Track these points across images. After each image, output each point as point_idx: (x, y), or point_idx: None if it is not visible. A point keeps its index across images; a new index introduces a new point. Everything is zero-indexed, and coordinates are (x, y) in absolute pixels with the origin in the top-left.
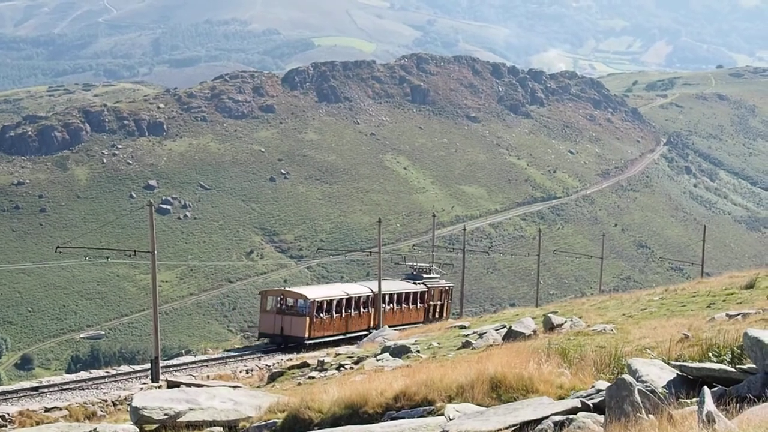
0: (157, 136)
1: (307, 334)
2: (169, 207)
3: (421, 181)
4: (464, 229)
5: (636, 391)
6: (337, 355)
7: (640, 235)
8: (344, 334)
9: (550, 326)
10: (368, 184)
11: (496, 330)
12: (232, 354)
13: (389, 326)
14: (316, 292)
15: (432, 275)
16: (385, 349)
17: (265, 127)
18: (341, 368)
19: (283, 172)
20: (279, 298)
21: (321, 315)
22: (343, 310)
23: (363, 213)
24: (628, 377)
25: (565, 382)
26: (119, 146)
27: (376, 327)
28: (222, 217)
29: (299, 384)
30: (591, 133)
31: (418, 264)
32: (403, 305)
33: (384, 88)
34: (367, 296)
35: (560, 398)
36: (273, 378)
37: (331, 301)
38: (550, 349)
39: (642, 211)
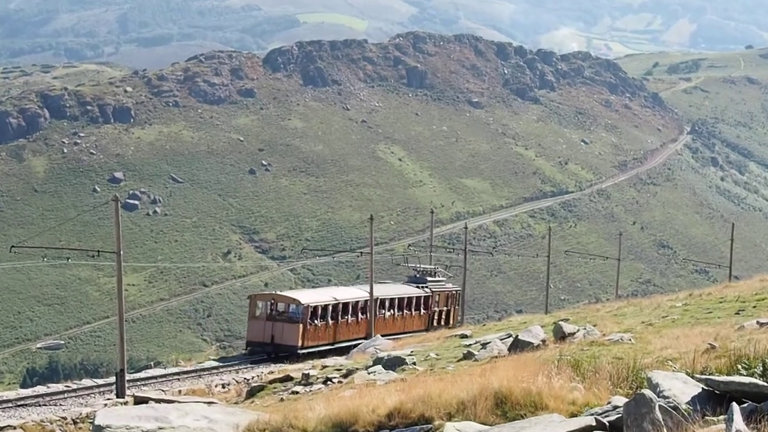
0: (124, 123)
1: (300, 343)
2: (136, 202)
3: (418, 173)
4: (465, 228)
5: (657, 408)
6: (324, 367)
7: (661, 234)
8: (341, 342)
9: (561, 335)
10: (359, 177)
11: (501, 340)
12: (207, 366)
13: (387, 335)
14: (310, 297)
15: (437, 278)
16: (377, 361)
17: (244, 114)
18: (328, 382)
19: (264, 163)
20: (269, 303)
21: (315, 321)
22: (340, 316)
23: (353, 209)
24: (648, 392)
25: (578, 397)
26: (81, 134)
27: (373, 334)
28: (196, 213)
29: (281, 400)
30: (606, 120)
31: (422, 266)
32: (405, 311)
33: (377, 71)
34: (366, 301)
35: (572, 416)
36: (252, 393)
37: (327, 306)
38: (561, 361)
39: (663, 208)
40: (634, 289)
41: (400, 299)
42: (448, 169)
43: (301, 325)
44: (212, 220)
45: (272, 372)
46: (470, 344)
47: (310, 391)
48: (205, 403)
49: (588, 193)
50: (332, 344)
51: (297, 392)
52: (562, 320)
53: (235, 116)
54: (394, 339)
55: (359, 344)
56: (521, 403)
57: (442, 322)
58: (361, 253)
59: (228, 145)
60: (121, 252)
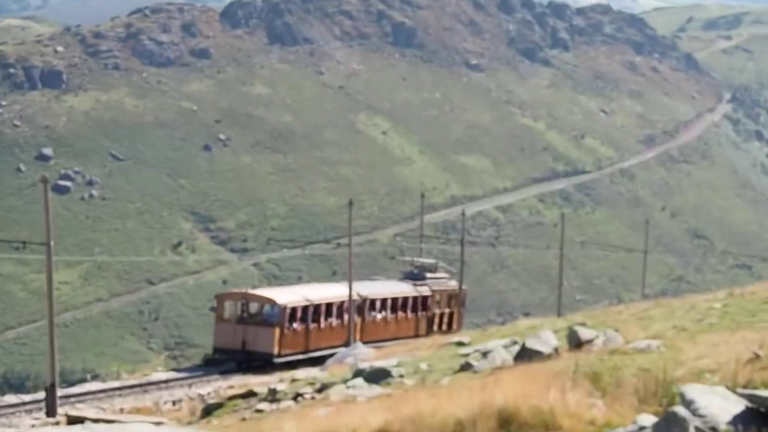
0: (55, 89)
1: (276, 350)
2: (69, 184)
3: (406, 149)
4: (463, 214)
5: (692, 429)
6: (294, 380)
7: (696, 222)
8: (324, 349)
9: (576, 343)
10: (335, 153)
11: (506, 347)
12: (154, 380)
13: (378, 341)
14: (289, 296)
15: (438, 275)
16: (357, 373)
17: (198, 78)
18: (299, 398)
19: (222, 137)
20: (240, 304)
21: (295, 325)
22: (322, 319)
23: (328, 192)
24: (680, 410)
25: (598, 416)
26: (3, 103)
27: (361, 340)
28: (140, 197)
29: (243, 419)
30: (631, 86)
31: (420, 260)
32: (399, 313)
33: (356, 27)
34: (353, 301)
35: None
36: (209, 411)
37: (308, 307)
38: (577, 373)
39: (698, 190)
40: (663, 287)
41: (394, 299)
42: (442, 144)
43: (277, 329)
44: (160, 205)
45: (232, 387)
46: (468, 353)
47: (278, 408)
48: (152, 423)
49: (608, 172)
50: (314, 351)
51: (262, 410)
52: (577, 324)
53: (188, 81)
54: (378, 347)
55: (336, 354)
56: (530, 423)
57: (444, 326)
58: (338, 244)
59: (179, 116)
60: (52, 243)
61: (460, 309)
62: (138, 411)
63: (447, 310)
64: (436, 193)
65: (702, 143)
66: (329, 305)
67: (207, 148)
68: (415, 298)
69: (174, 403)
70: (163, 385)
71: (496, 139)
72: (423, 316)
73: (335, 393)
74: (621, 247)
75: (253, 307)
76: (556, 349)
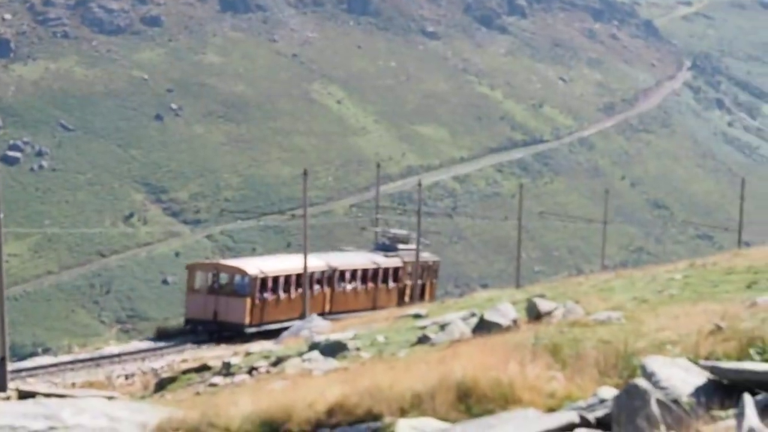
0: (2, 58)
1: (247, 320)
2: (18, 155)
3: (361, 119)
4: (419, 184)
5: (653, 401)
6: (248, 354)
7: (656, 192)
8: (294, 319)
9: (536, 314)
10: (289, 123)
11: (464, 320)
12: (107, 353)
13: (347, 312)
14: (259, 266)
15: (411, 246)
16: (313, 346)
17: (149, 47)
18: (254, 372)
19: (173, 107)
20: (211, 274)
21: (265, 295)
22: (293, 289)
23: (282, 162)
24: (642, 382)
25: (558, 389)
26: None
27: (330, 311)
28: (91, 168)
29: (197, 393)
30: (590, 54)
31: (392, 231)
32: (369, 284)
33: None
34: (323, 271)
35: (551, 410)
36: (162, 385)
37: (278, 277)
38: (536, 346)
39: (658, 159)
40: (623, 258)
41: (364, 270)
42: (398, 113)
43: (248, 300)
44: (111, 176)
45: (185, 360)
46: (425, 326)
47: (232, 382)
48: (104, 397)
49: (567, 142)
50: (286, 322)
51: (216, 384)
52: (536, 296)
53: (138, 49)
54: (334, 320)
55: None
56: (489, 396)
57: (416, 298)
58: (293, 215)
59: (130, 85)
60: (1, 215)
61: (432, 281)
62: (90, 385)
63: (419, 282)
64: (392, 163)
65: (662, 112)
66: (299, 276)
67: (158, 118)
68: (386, 270)
69: (127, 377)
70: (115, 359)
71: (453, 108)
72: (394, 287)
73: (291, 366)
74: (580, 218)
75: (224, 278)
76: (514, 322)
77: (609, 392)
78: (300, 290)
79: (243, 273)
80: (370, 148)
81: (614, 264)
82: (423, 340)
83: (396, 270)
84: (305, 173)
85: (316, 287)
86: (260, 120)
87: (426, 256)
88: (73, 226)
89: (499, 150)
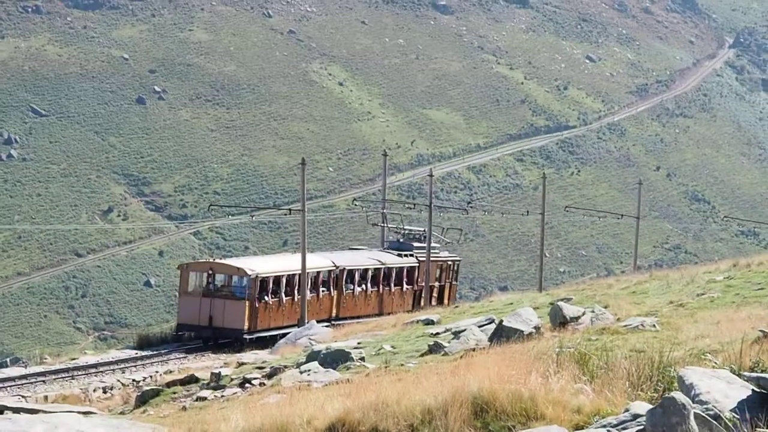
0: None
1: (246, 325)
2: None
3: (366, 102)
4: (430, 176)
5: (692, 417)
6: (241, 364)
7: (695, 184)
8: (299, 325)
9: (560, 320)
10: (285, 107)
11: (480, 326)
12: (82, 364)
13: (356, 317)
14: (260, 266)
15: (428, 244)
16: (312, 356)
17: (129, 23)
18: (247, 385)
19: (157, 89)
20: (206, 275)
21: (267, 298)
22: (296, 291)
23: (278, 151)
24: (679, 396)
25: (585, 403)
26: None
27: (337, 316)
28: (65, 157)
29: (184, 408)
30: (620, 29)
31: (407, 228)
32: (381, 287)
33: None
34: (329, 272)
35: (578, 428)
36: (144, 399)
37: (280, 277)
38: (561, 355)
39: (697, 147)
40: (658, 257)
41: (375, 270)
42: (406, 96)
43: (247, 303)
44: (87, 166)
45: (170, 372)
46: (438, 333)
47: (223, 396)
48: (80, 413)
49: (595, 128)
50: (288, 327)
51: (204, 398)
52: (561, 300)
53: (118, 26)
54: (336, 327)
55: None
56: (508, 412)
57: (434, 301)
58: (290, 210)
59: (108, 66)
60: None
61: (452, 282)
62: (64, 399)
63: (437, 283)
64: (401, 152)
65: (701, 94)
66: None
67: (140, 101)
68: (399, 270)
69: (105, 390)
70: (92, 371)
71: (467, 90)
72: (409, 290)
73: (287, 378)
74: (610, 213)
75: (221, 279)
76: (537, 328)
77: (642, 407)
78: (307, 291)
79: (241, 273)
80: (376, 135)
81: (648, 264)
82: (435, 349)
83: (411, 270)
84: (303, 163)
85: (322, 290)
86: (253, 104)
87: (445, 255)
88: (46, 222)
89: (519, 137)
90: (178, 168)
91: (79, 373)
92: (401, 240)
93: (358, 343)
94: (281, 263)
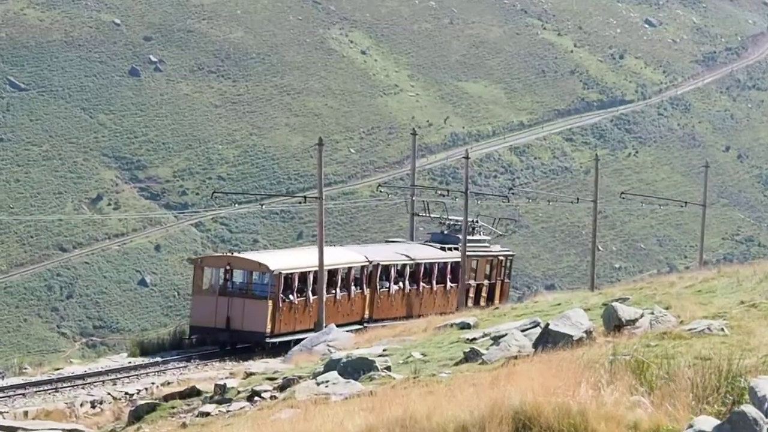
0: None
1: (269, 328)
2: None
3: (392, 74)
4: (466, 158)
5: None
6: (249, 375)
7: None
8: (317, 328)
9: (615, 324)
10: (301, 79)
11: (523, 331)
12: (68, 375)
13: (392, 319)
14: (284, 260)
15: (477, 237)
16: (330, 365)
17: None
18: (256, 398)
19: (153, 59)
20: (223, 271)
21: (291, 297)
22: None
23: (292, 130)
24: (750, 410)
25: (643, 418)
26: None
27: (371, 318)
28: (48, 137)
29: (184, 425)
30: None
31: (451, 219)
32: (422, 285)
33: None
34: (361, 268)
35: None
36: (138, 415)
37: (306, 274)
38: (615, 364)
39: None
40: (727, 251)
41: (415, 266)
42: (439, 67)
43: (270, 302)
44: (73, 147)
45: (168, 383)
46: (475, 338)
47: (228, 411)
48: (65, 430)
49: (656, 102)
50: (316, 330)
51: (207, 413)
52: (617, 300)
53: None
54: (358, 332)
55: (305, 339)
56: (555, 428)
57: (482, 301)
58: (305, 197)
59: (97, 32)
60: None
61: (505, 280)
62: (47, 415)
63: (486, 281)
64: (432, 130)
65: None
66: (333, 272)
67: (133, 73)
68: (443, 266)
69: (93, 404)
70: (79, 382)
71: (509, 60)
72: (453, 288)
73: (302, 391)
74: (673, 200)
75: (239, 276)
76: (588, 333)
77: (709, 422)
78: (335, 291)
79: (263, 269)
80: (404, 112)
81: (716, 259)
82: (471, 356)
83: (456, 266)
84: (321, 143)
85: (353, 288)
86: (263, 76)
87: (496, 249)
88: (26, 213)
89: (568, 113)
90: (177, 150)
91: (64, 385)
92: (446, 232)
93: (384, 350)
94: (308, 258)
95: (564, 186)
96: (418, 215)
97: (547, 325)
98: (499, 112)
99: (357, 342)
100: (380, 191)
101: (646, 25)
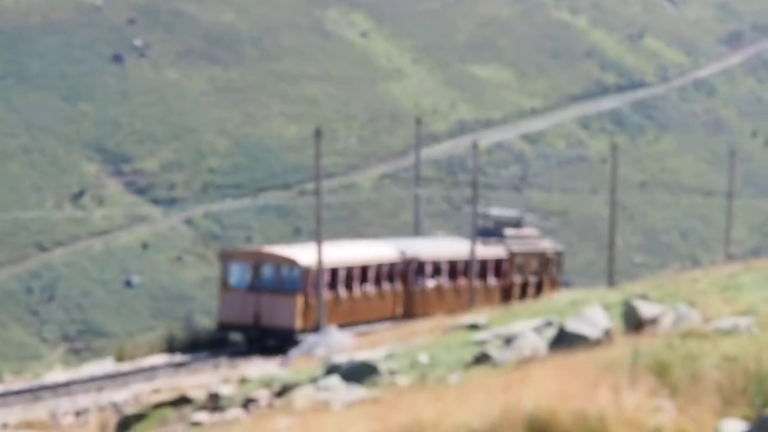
0: None
1: (299, 324)
2: None
3: (395, 58)
4: (475, 146)
5: None
6: (244, 381)
7: None
8: (357, 323)
9: (635, 323)
10: (297, 64)
11: (537, 331)
12: (50, 383)
13: (427, 317)
14: (314, 255)
15: (524, 232)
16: (331, 370)
17: None
18: (251, 405)
19: (137, 44)
20: (251, 266)
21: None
22: (355, 286)
23: (287, 119)
24: None
25: (666, 423)
26: None
27: (407, 314)
28: (26, 128)
29: None
30: None
31: (495, 212)
32: (459, 281)
33: None
34: (392, 264)
35: None
36: (125, 425)
37: (337, 269)
38: (636, 365)
39: None
40: (755, 243)
41: (453, 263)
42: (444, 49)
43: (299, 298)
44: (53, 139)
45: (158, 391)
46: (485, 340)
47: (222, 420)
48: None
49: (677, 86)
50: (348, 327)
51: (200, 423)
52: (637, 297)
53: None
54: (360, 335)
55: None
56: None
57: (529, 299)
58: (302, 191)
59: (77, 15)
60: None
61: (552, 278)
62: (28, 426)
63: (533, 278)
64: (438, 117)
65: None
66: (365, 268)
67: (117, 59)
68: (484, 262)
69: (78, 414)
70: (62, 390)
71: (520, 40)
72: (497, 284)
73: (301, 397)
74: (696, 190)
75: (268, 271)
76: (607, 333)
77: (735, 427)
78: (366, 286)
79: (292, 263)
80: (408, 98)
81: (743, 252)
82: (482, 359)
83: (499, 263)
84: (319, 133)
85: (386, 285)
86: (256, 61)
87: (543, 245)
88: (3, 210)
89: (584, 98)
90: (164, 141)
91: (46, 393)
92: (490, 226)
93: (388, 354)
94: (338, 253)
95: (580, 176)
96: (461, 209)
97: (563, 325)
98: (510, 98)
99: (359, 345)
100: (383, 182)
101: (667, 3)
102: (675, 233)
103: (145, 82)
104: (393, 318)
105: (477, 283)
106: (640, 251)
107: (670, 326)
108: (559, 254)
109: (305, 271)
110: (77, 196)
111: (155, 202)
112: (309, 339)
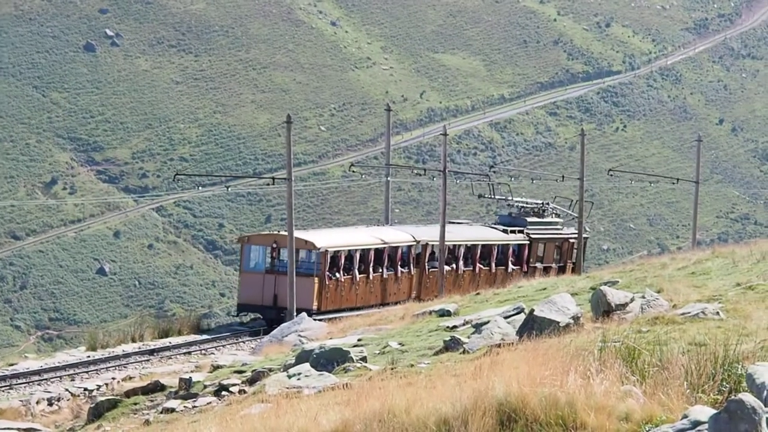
0: None
1: (316, 305)
2: None
3: (364, 46)
4: (444, 134)
5: (764, 423)
6: (216, 368)
7: (766, 140)
8: (374, 306)
9: (604, 309)
10: (267, 53)
11: (507, 317)
12: (23, 370)
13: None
14: (330, 238)
15: (546, 219)
16: (302, 357)
17: None
18: (223, 393)
19: (109, 33)
20: (270, 249)
21: (338, 275)
22: (371, 268)
23: (258, 107)
24: (748, 398)
25: (635, 409)
26: None
27: (419, 298)
28: None
29: (147, 422)
30: None
31: (519, 201)
32: (480, 266)
33: None
34: (408, 247)
35: None
36: (98, 413)
37: (353, 252)
38: (605, 351)
39: None
40: (722, 230)
41: (469, 248)
42: (413, 38)
43: (316, 280)
44: (24, 128)
45: (130, 378)
46: (455, 326)
47: (195, 407)
48: (21, 429)
49: (645, 73)
50: (363, 308)
51: (172, 410)
52: (605, 283)
53: None
54: (330, 321)
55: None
56: (542, 420)
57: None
58: (273, 179)
59: (49, 5)
60: None
61: (572, 263)
62: (1, 414)
63: (554, 265)
64: (408, 105)
65: None
66: (380, 251)
67: (89, 48)
68: (503, 248)
69: (50, 401)
70: (34, 378)
71: (488, 29)
72: (516, 270)
73: (272, 384)
74: (663, 177)
75: (287, 253)
76: (576, 319)
77: (705, 412)
78: (376, 271)
79: (309, 247)
80: (377, 86)
81: (710, 239)
82: (452, 345)
83: (520, 248)
84: (289, 121)
85: (401, 269)
86: (227, 50)
87: (566, 232)
88: None
89: (552, 86)
90: (136, 130)
91: (19, 381)
92: (513, 214)
93: (359, 340)
94: (354, 237)
95: (548, 163)
96: (483, 197)
97: (532, 311)
98: (479, 86)
99: (330, 332)
100: (353, 171)
101: None
102: (642, 220)
103: (117, 71)
104: (408, 300)
105: (496, 267)
106: (607, 238)
107: (638, 312)
108: (585, 241)
109: (322, 255)
110: (49, 185)
111: (127, 190)
112: (281, 326)
